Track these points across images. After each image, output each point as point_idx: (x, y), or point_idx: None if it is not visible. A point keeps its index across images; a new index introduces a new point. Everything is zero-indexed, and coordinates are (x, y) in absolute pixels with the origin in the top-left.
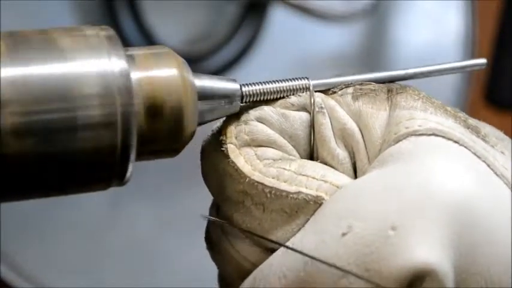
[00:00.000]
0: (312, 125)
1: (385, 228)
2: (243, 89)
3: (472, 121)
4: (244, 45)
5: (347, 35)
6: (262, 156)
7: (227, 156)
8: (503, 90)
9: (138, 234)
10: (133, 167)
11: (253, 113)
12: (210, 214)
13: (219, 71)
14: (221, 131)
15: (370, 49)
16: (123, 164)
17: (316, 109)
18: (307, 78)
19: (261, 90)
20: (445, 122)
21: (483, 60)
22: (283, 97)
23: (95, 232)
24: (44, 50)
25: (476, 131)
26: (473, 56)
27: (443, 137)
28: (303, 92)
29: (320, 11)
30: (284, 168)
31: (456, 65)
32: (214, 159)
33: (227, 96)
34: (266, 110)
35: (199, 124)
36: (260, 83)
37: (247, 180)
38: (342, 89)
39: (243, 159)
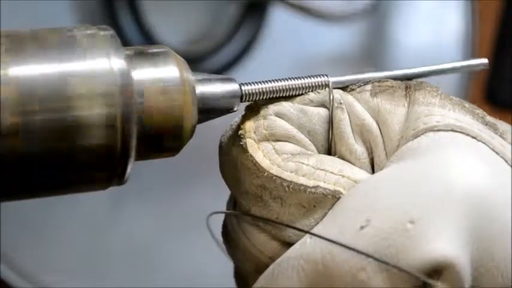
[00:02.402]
0: (330, 121)
1: (403, 222)
2: (243, 88)
3: (490, 118)
4: (244, 45)
5: (347, 35)
6: (280, 150)
7: (246, 151)
8: (503, 90)
9: (138, 234)
10: (132, 167)
11: (272, 107)
12: (227, 208)
13: (219, 71)
14: (240, 126)
15: (370, 49)
16: (122, 163)
17: (335, 105)
18: (326, 76)
19: (261, 90)
20: (463, 118)
21: (485, 60)
22: (291, 96)
23: (95, 232)
24: (43, 50)
25: (494, 128)
26: (473, 56)
27: (461, 132)
28: (315, 90)
29: (320, 11)
30: (302, 163)
31: (458, 65)
32: (232, 153)
33: (227, 96)
34: (285, 105)
35: (199, 123)
36: (262, 82)
37: (265, 174)
38: (360, 86)
39: (262, 154)
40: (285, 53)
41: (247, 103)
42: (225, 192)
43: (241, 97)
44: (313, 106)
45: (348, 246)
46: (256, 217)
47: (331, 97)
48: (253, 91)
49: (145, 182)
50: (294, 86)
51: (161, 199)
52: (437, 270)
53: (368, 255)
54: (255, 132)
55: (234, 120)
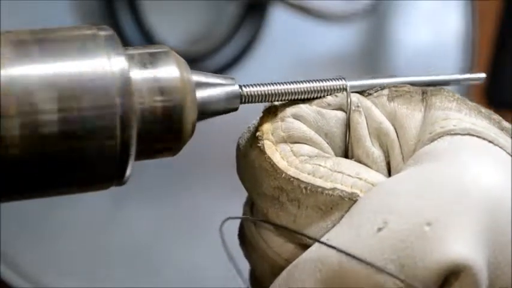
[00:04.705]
0: (347, 124)
1: (420, 224)
2: (243, 89)
3: (506, 123)
4: (244, 45)
5: (347, 35)
6: (298, 152)
7: (263, 152)
8: (503, 90)
9: (138, 234)
10: (133, 167)
11: (290, 110)
12: (244, 211)
13: (219, 71)
14: (257, 128)
15: (370, 49)
16: (122, 163)
17: (353, 108)
18: (344, 79)
19: (262, 92)
20: (479, 123)
21: (482, 75)
22: (306, 99)
23: (95, 232)
24: (43, 50)
25: (510, 133)
26: (473, 56)
27: (478, 136)
28: (333, 93)
29: (320, 11)
30: (320, 165)
31: (456, 77)
32: (250, 155)
33: (226, 96)
34: (303, 108)
35: (198, 121)
36: (263, 84)
37: (283, 175)
38: (377, 90)
39: (279, 155)
40: (285, 53)
41: (248, 104)
42: (225, 192)
43: (241, 98)
44: (331, 109)
45: (357, 257)
46: (269, 223)
47: (349, 100)
48: (254, 93)
49: (145, 182)
50: (309, 89)
51: (161, 199)
52: (454, 273)
53: (380, 269)
54: (272, 134)
55: (251, 123)
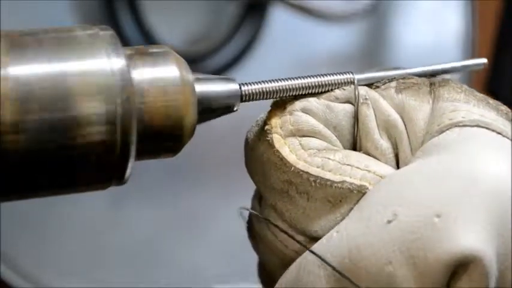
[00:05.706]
0: (356, 116)
1: (430, 215)
2: (242, 88)
3: None
4: (244, 45)
5: (347, 35)
6: (306, 146)
7: (272, 146)
8: (503, 90)
9: (138, 234)
10: (132, 167)
11: (299, 103)
12: (253, 205)
13: (219, 71)
14: (266, 121)
15: (370, 49)
16: (122, 163)
17: (361, 100)
18: (352, 73)
19: (261, 90)
20: (487, 114)
21: (483, 60)
22: (313, 93)
23: (95, 232)
24: (43, 50)
25: None
26: (473, 56)
27: (486, 128)
28: (341, 87)
29: (320, 11)
30: (328, 158)
31: (457, 65)
32: (259, 149)
33: (226, 96)
34: (311, 101)
35: (199, 123)
36: (263, 82)
37: (292, 169)
38: (385, 83)
39: (288, 149)
40: (285, 53)
41: (248, 102)
42: (225, 192)
43: (241, 97)
44: (339, 103)
45: (346, 276)
46: (274, 224)
47: (357, 93)
48: (253, 91)
49: (145, 181)
50: (311, 84)
51: (161, 199)
52: (463, 264)
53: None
54: (281, 128)
55: (259, 116)
